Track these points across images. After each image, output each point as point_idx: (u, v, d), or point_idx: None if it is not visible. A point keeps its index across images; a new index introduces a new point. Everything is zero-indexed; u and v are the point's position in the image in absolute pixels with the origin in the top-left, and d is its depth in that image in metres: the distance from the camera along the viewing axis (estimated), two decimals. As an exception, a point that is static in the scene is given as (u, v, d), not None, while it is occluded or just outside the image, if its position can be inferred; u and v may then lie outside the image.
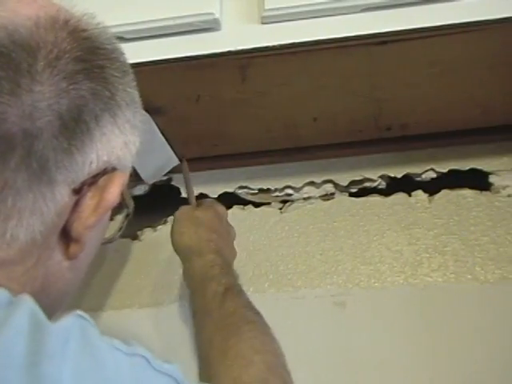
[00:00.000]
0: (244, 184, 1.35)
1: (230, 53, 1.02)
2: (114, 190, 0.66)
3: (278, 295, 1.22)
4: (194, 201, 1.21)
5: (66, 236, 0.66)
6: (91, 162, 0.63)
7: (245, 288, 1.22)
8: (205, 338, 0.94)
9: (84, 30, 0.65)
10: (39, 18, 0.61)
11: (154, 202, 1.35)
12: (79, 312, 0.61)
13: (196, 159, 1.29)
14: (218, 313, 0.95)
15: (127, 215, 0.79)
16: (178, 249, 1.09)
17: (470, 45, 1.01)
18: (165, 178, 1.33)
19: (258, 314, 0.97)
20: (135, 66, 1.02)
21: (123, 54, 0.71)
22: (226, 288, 0.98)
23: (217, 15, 1.03)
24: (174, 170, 1.26)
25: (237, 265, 1.24)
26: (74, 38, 0.63)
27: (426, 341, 1.11)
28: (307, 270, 1.24)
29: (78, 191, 0.63)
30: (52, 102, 0.59)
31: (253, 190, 1.36)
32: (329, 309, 1.17)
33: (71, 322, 0.59)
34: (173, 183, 1.36)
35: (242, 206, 1.35)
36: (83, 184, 0.63)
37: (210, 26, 1.04)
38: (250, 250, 1.28)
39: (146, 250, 1.32)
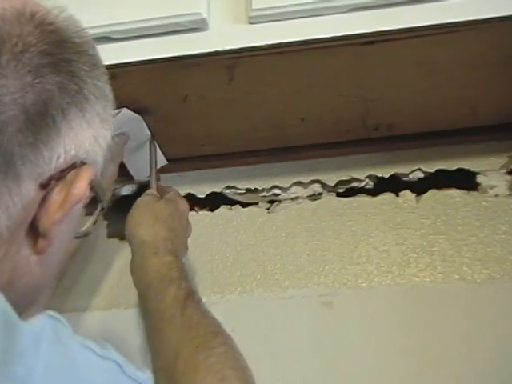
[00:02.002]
0: (231, 184, 1.35)
1: (217, 53, 1.02)
2: (81, 185, 0.65)
3: (266, 295, 1.22)
4: (154, 185, 1.19)
5: (34, 231, 0.65)
6: (58, 157, 0.63)
7: (232, 288, 1.23)
8: (168, 347, 0.91)
9: (51, 23, 0.64)
10: (4, 11, 0.61)
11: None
12: (51, 313, 0.60)
13: (183, 159, 1.29)
14: (181, 321, 0.93)
15: (102, 209, 0.78)
16: (131, 239, 1.07)
17: (457, 45, 1.01)
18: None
19: (218, 323, 0.96)
20: (123, 66, 1.03)
21: (94, 47, 0.70)
22: (186, 293, 0.97)
23: (204, 15, 1.03)
24: (162, 170, 1.26)
25: (224, 265, 1.25)
26: (41, 32, 0.62)
27: (413, 340, 1.11)
28: (295, 270, 1.24)
29: (45, 186, 0.62)
30: (17, 96, 0.58)
31: (240, 189, 1.36)
32: (316, 309, 1.18)
33: (43, 321, 0.59)
34: (160, 183, 1.35)
35: (229, 206, 1.35)
36: (50, 179, 0.63)
37: (197, 26, 1.04)
38: (237, 250, 1.28)
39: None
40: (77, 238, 0.80)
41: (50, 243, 0.66)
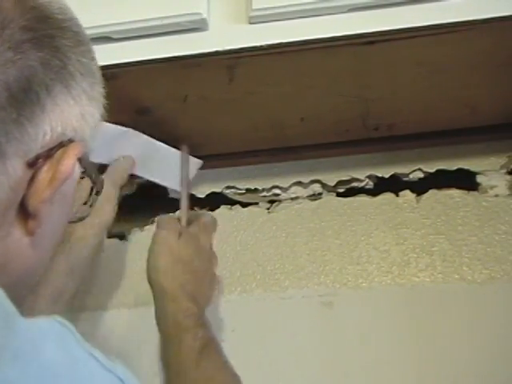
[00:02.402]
0: (231, 184, 1.35)
1: (217, 53, 1.02)
2: (68, 162, 0.64)
3: (266, 295, 1.22)
4: (185, 208, 1.18)
5: (24, 211, 0.64)
6: (44, 134, 0.62)
7: (232, 288, 1.23)
8: None
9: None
10: None
11: (141, 202, 1.34)
12: (60, 319, 0.59)
13: (183, 159, 1.29)
14: (195, 375, 0.93)
15: (97, 192, 0.77)
16: (150, 283, 1.06)
17: (457, 45, 1.01)
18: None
19: (235, 376, 0.95)
20: (123, 66, 1.03)
21: (78, 25, 0.69)
22: (202, 344, 0.96)
23: (204, 15, 1.03)
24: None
25: (224, 265, 1.24)
26: (21, 7, 0.61)
27: (413, 341, 1.11)
28: (295, 270, 1.24)
29: (33, 165, 0.62)
30: None
31: (240, 189, 1.36)
32: (316, 309, 1.18)
33: (49, 326, 0.58)
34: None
35: (229, 206, 1.35)
36: (38, 157, 0.62)
37: (197, 26, 1.04)
38: (237, 250, 1.28)
39: (133, 250, 1.32)
40: (73, 222, 0.79)
41: (40, 223, 0.65)
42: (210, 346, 0.97)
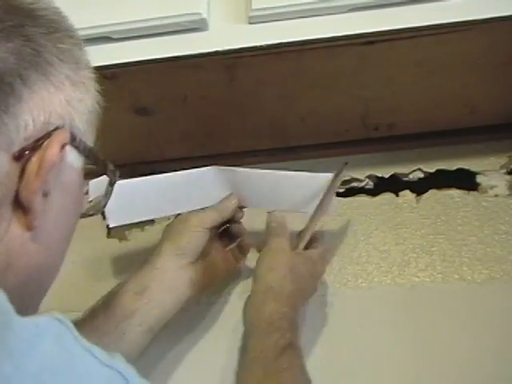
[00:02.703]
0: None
1: (217, 53, 1.02)
2: (52, 149, 0.63)
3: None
4: (308, 237, 1.14)
5: (19, 206, 0.63)
6: (26, 125, 0.62)
7: (232, 288, 1.23)
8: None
9: None
10: None
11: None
12: (59, 315, 0.59)
13: (183, 159, 1.29)
14: (272, 366, 0.94)
15: (112, 183, 0.77)
16: (257, 279, 1.07)
17: (457, 45, 1.01)
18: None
19: (308, 381, 0.96)
20: (123, 66, 1.03)
21: (56, 12, 0.69)
22: (288, 343, 0.97)
23: (204, 15, 1.03)
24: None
25: (224, 265, 1.24)
26: None
27: (413, 341, 1.11)
28: (294, 270, 1.23)
29: (19, 158, 0.61)
30: None
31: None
32: (316, 309, 1.17)
33: (47, 323, 0.57)
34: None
35: (229, 206, 1.34)
36: (24, 150, 0.62)
37: (197, 26, 1.04)
38: (237, 250, 1.28)
39: (134, 251, 1.32)
40: (88, 215, 0.78)
41: (36, 216, 0.64)
42: (294, 348, 0.98)
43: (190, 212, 1.13)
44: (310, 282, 1.10)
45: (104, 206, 0.80)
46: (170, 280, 1.07)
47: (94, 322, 1.02)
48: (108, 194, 0.78)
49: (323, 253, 1.15)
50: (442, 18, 0.97)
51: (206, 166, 1.17)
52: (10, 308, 0.56)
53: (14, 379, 0.52)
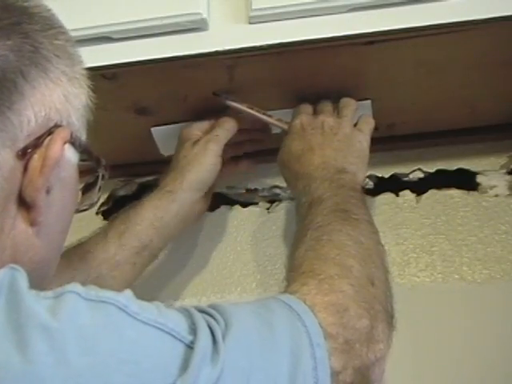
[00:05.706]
0: (231, 184, 1.35)
1: (217, 53, 1.02)
2: (55, 146, 0.65)
3: (266, 295, 1.22)
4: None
5: (23, 203, 0.65)
6: (29, 120, 0.63)
7: (232, 288, 1.22)
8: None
9: None
10: None
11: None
12: (12, 264, 0.60)
13: (183, 159, 1.29)
14: (331, 202, 0.95)
15: (102, 176, 0.77)
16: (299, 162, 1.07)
17: (457, 45, 1.01)
18: (151, 177, 1.33)
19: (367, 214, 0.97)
20: (123, 66, 1.03)
21: (47, 10, 0.70)
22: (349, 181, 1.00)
23: (204, 15, 1.03)
24: (159, 169, 1.25)
25: (224, 265, 1.24)
26: None
27: (412, 341, 1.11)
28: (295, 270, 1.23)
29: (23, 156, 0.63)
30: None
31: (240, 189, 1.35)
32: (316, 309, 1.17)
33: (2, 275, 0.58)
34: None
35: (229, 206, 1.34)
36: (27, 148, 0.63)
37: (197, 26, 1.04)
38: (237, 250, 1.28)
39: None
40: (82, 210, 0.78)
41: (40, 212, 0.66)
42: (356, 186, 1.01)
43: (200, 140, 1.12)
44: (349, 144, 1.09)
45: (97, 202, 0.81)
46: (183, 214, 1.10)
47: (106, 247, 1.05)
48: (100, 188, 0.79)
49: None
50: (442, 18, 0.97)
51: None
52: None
53: None
